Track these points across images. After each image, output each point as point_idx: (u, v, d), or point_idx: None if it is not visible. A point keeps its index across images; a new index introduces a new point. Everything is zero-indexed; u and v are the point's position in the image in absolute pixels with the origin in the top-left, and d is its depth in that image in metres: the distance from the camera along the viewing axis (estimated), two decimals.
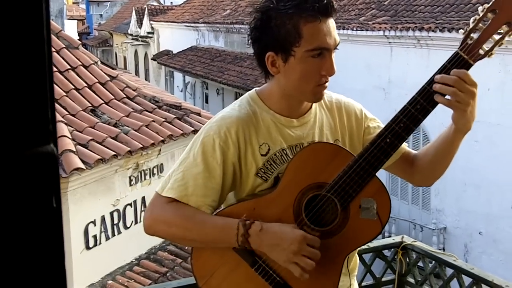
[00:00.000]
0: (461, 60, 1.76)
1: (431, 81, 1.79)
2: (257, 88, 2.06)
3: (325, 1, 1.85)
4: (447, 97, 1.77)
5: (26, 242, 0.49)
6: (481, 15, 1.75)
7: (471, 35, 1.76)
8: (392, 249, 3.55)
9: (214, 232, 1.89)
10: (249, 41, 1.97)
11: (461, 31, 1.79)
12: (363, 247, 2.91)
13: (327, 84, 1.93)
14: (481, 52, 1.77)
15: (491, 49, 1.77)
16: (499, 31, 1.75)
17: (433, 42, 12.84)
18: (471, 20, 1.77)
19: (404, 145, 2.07)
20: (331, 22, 1.88)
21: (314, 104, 2.05)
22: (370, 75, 14.85)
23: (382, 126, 2.07)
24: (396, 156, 2.03)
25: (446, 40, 11.99)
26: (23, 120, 0.48)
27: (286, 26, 1.84)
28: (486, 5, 1.75)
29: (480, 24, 1.76)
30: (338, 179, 1.85)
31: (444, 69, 1.77)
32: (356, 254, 2.17)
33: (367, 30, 14.94)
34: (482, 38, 1.75)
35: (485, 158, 11.54)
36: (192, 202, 1.90)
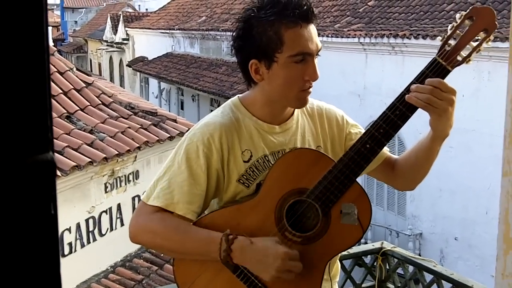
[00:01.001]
0: (439, 67, 1.77)
1: (409, 88, 1.79)
2: (240, 95, 2.07)
3: (305, 7, 1.87)
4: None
5: (25, 249, 0.49)
6: (458, 22, 1.77)
7: (449, 41, 1.78)
8: (372, 255, 3.55)
9: (198, 245, 1.89)
10: (233, 51, 1.98)
11: (439, 38, 1.80)
12: (343, 253, 2.90)
13: (311, 89, 1.94)
14: (459, 58, 1.78)
15: (469, 55, 1.79)
16: (476, 37, 1.77)
17: (408, 49, 12.98)
18: (449, 27, 1.79)
19: (386, 151, 2.08)
20: (312, 28, 1.91)
21: (296, 111, 2.05)
22: (345, 81, 14.93)
23: (363, 131, 2.09)
24: (378, 161, 2.04)
25: (421, 47, 12.14)
26: (24, 128, 0.49)
27: (268, 33, 1.86)
28: (464, 12, 1.77)
29: (458, 31, 1.77)
30: (319, 184, 1.86)
31: (423, 75, 1.78)
32: (338, 260, 2.18)
33: (342, 37, 15.05)
34: (459, 45, 1.77)
35: (460, 164, 11.62)
36: (178, 210, 1.90)
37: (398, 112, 1.80)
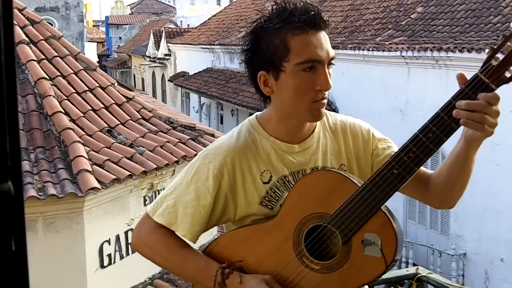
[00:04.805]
0: (481, 84, 1.56)
1: (445, 107, 1.61)
2: (258, 113, 1.98)
3: (313, 13, 1.77)
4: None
5: None
6: (510, 32, 1.55)
7: (497, 55, 1.56)
8: (406, 281, 3.39)
9: (195, 272, 1.90)
10: (244, 65, 1.90)
11: (487, 51, 1.59)
12: None
13: (324, 101, 1.81)
14: (507, 75, 1.56)
15: None
16: None
17: (452, 62, 12.59)
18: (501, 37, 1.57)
19: None
20: (323, 35, 1.79)
21: (317, 128, 1.94)
22: (386, 96, 14.69)
23: (393, 146, 1.97)
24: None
25: (466, 61, 11.82)
26: None
27: (274, 42, 1.78)
28: None
29: (508, 43, 1.55)
30: (340, 210, 1.74)
31: (461, 93, 1.59)
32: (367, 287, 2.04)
33: (383, 50, 14.81)
34: (509, 59, 1.55)
35: (506, 183, 11.16)
36: (179, 230, 1.90)
37: (431, 135, 1.63)
